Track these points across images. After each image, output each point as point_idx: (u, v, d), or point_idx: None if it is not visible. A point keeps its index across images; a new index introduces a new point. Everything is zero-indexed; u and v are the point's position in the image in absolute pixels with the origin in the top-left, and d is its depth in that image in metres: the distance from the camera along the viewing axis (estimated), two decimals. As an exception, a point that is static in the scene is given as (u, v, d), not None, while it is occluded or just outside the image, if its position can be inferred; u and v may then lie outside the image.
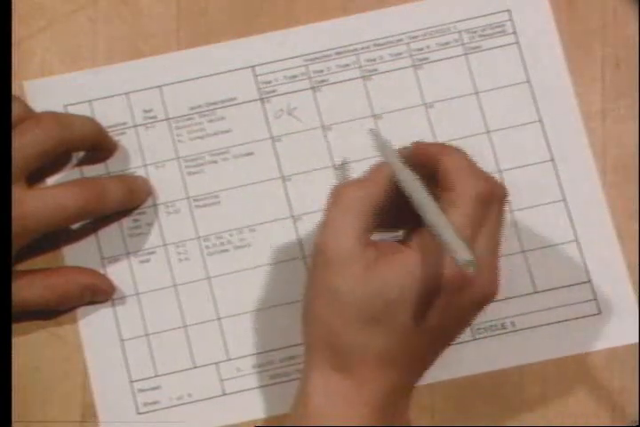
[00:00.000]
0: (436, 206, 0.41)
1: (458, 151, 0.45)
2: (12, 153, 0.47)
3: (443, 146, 0.45)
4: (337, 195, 0.44)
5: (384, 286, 0.42)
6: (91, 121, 0.51)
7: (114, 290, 0.52)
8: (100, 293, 0.51)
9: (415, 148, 0.45)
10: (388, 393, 0.44)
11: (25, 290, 0.49)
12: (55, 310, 0.51)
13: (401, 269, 0.42)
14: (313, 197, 0.52)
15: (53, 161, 0.51)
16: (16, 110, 0.48)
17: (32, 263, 0.52)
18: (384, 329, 0.43)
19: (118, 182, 0.50)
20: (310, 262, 0.45)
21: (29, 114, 0.49)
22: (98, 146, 0.51)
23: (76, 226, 0.52)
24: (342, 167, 0.52)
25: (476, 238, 0.42)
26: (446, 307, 0.43)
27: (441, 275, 0.42)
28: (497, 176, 0.52)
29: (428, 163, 0.44)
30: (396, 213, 0.45)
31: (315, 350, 0.44)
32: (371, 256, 0.43)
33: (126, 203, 0.51)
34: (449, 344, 0.46)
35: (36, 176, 0.51)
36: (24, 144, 0.47)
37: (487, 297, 0.44)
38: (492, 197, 0.43)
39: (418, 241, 0.43)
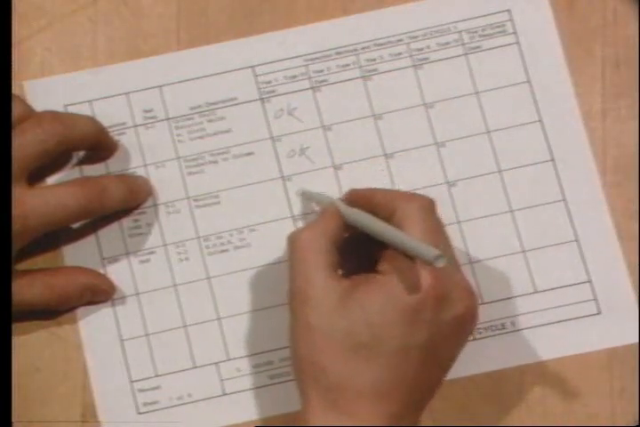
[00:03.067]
0: (391, 226, 0.45)
1: (382, 189, 0.51)
2: (13, 152, 0.47)
3: (370, 189, 0.50)
4: (293, 241, 0.46)
5: (365, 313, 0.44)
6: (91, 120, 0.50)
7: (114, 290, 0.52)
8: (100, 293, 0.51)
9: (348, 194, 0.50)
10: None
11: (25, 290, 0.49)
12: (55, 310, 0.51)
13: (378, 294, 0.44)
14: (313, 197, 0.52)
15: (54, 160, 0.50)
16: (16, 110, 0.48)
17: (32, 263, 0.52)
18: (372, 357, 0.44)
19: (119, 182, 0.50)
20: (289, 308, 0.46)
21: (30, 113, 0.49)
22: (98, 145, 0.51)
23: (76, 226, 0.52)
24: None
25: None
26: (430, 323, 0.44)
27: (417, 291, 0.44)
28: (497, 176, 0.52)
29: (361, 203, 0.48)
30: (353, 256, 0.48)
31: (308, 390, 0.45)
32: (345, 287, 0.45)
33: (126, 202, 0.51)
34: (444, 370, 0.46)
35: (36, 175, 0.50)
36: (24, 143, 0.47)
37: (468, 309, 0.45)
38: (431, 207, 0.46)
39: (386, 267, 0.45)
